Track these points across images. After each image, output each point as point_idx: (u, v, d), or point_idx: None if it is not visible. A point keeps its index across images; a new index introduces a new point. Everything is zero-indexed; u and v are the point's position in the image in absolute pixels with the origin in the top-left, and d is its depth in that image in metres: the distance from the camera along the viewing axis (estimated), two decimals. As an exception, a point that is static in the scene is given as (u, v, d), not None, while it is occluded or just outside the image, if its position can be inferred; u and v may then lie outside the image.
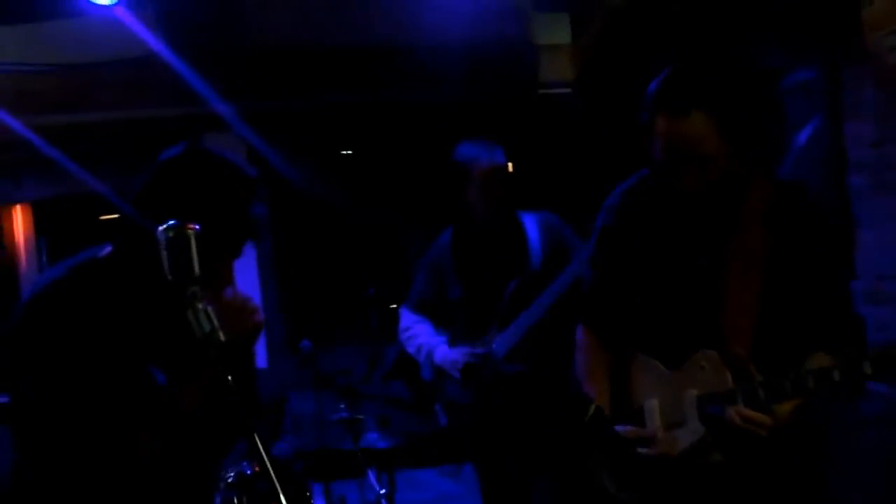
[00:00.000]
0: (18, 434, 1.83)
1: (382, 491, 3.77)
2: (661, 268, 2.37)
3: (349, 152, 5.61)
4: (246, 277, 4.56)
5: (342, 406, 3.91)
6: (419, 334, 3.80)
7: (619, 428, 2.41)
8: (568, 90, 5.34)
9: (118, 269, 1.86)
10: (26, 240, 5.39)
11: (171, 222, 1.60)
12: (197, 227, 1.60)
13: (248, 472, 3.30)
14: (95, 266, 1.88)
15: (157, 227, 1.61)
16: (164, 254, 1.60)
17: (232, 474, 3.28)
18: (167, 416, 1.79)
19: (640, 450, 2.35)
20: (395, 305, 4.42)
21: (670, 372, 2.35)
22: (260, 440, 1.52)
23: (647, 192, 2.40)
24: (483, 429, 3.62)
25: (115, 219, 5.12)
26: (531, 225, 3.71)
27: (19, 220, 5.39)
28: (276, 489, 1.51)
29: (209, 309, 1.58)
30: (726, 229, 2.29)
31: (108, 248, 1.91)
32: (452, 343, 3.72)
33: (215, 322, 1.57)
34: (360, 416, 3.89)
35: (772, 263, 2.23)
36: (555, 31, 5.34)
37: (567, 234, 3.73)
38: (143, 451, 1.76)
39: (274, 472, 1.52)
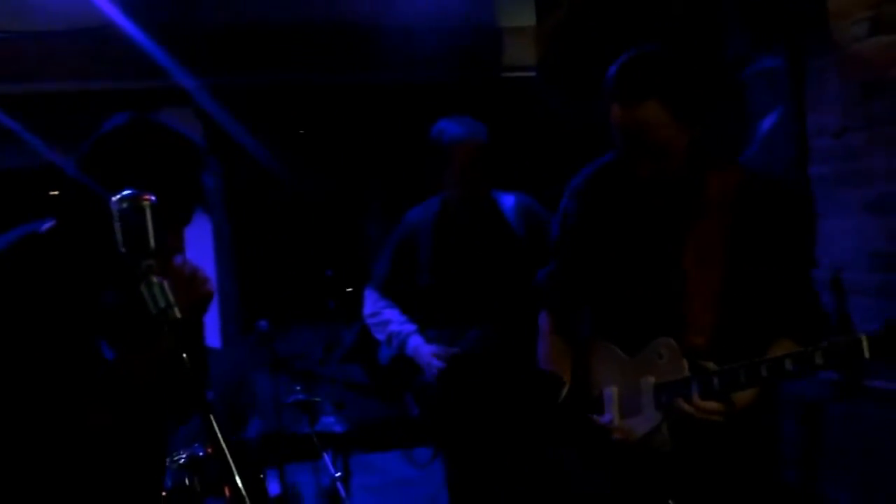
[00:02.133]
0: None
1: (338, 474, 3.73)
2: (622, 254, 2.36)
3: (303, 132, 5.53)
4: (201, 255, 4.48)
5: (298, 388, 3.86)
6: (391, 320, 3.62)
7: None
8: (532, 73, 5.31)
9: (62, 243, 1.79)
10: (-28, 213, 5.24)
11: (126, 192, 1.54)
12: (153, 198, 1.54)
13: (201, 453, 3.25)
14: (37, 240, 1.81)
15: (110, 197, 1.54)
16: (117, 225, 1.53)
17: (184, 455, 3.23)
18: (116, 392, 1.73)
19: (599, 437, 2.35)
20: (350, 288, 4.37)
21: (629, 358, 2.36)
22: (215, 420, 1.47)
23: (611, 178, 2.39)
24: (454, 418, 3.52)
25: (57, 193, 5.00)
26: (510, 207, 3.61)
27: (-35, 192, 5.23)
28: (231, 471, 1.46)
29: (164, 283, 1.52)
30: (688, 216, 2.28)
31: (50, 223, 1.84)
32: (423, 329, 3.62)
33: (170, 297, 1.51)
34: (317, 399, 3.84)
35: (734, 252, 2.23)
36: (519, 14, 5.31)
37: (544, 217, 3.63)
38: (91, 428, 1.70)
39: (229, 454, 1.47)
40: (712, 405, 2.15)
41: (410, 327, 3.58)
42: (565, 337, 2.53)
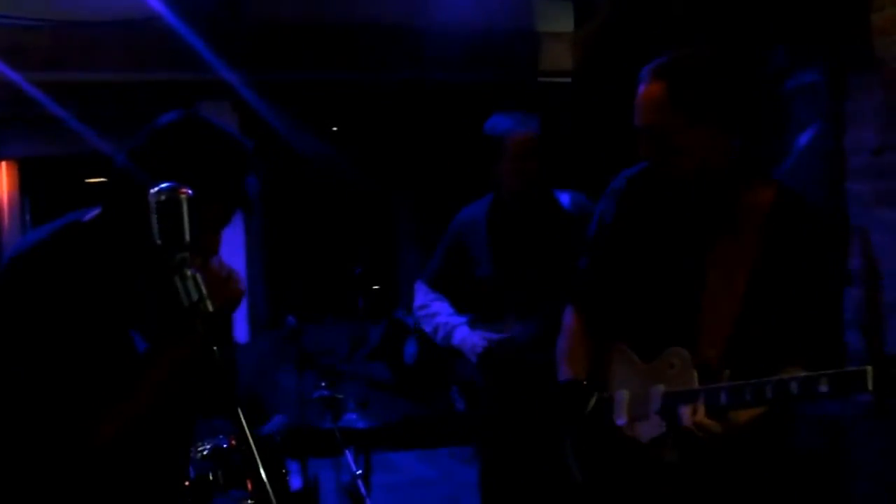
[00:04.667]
0: None
1: (358, 472, 3.74)
2: (648, 259, 2.36)
3: (337, 129, 5.56)
4: (232, 250, 4.51)
5: (323, 384, 3.88)
6: (439, 312, 3.60)
7: None
8: (568, 79, 5.31)
9: (104, 233, 1.81)
10: (10, 198, 5.32)
11: (164, 185, 1.56)
12: (190, 191, 1.56)
13: (225, 445, 3.27)
14: (80, 229, 1.83)
15: (149, 190, 1.56)
16: (153, 217, 1.55)
17: (208, 447, 3.25)
18: (148, 383, 1.75)
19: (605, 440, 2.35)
20: (378, 286, 4.39)
21: (643, 364, 2.35)
22: (242, 413, 1.48)
23: (649, 182, 2.39)
24: (497, 415, 3.50)
25: (103, 181, 5.06)
26: (567, 203, 3.55)
27: (4, 178, 5.32)
28: (257, 463, 1.47)
29: (198, 276, 1.54)
30: (718, 230, 2.27)
31: (95, 211, 1.86)
32: (473, 324, 3.57)
33: (203, 290, 1.53)
34: (340, 396, 3.86)
35: (759, 271, 2.21)
36: (558, 20, 5.31)
37: None
38: (122, 419, 1.72)
39: (254, 447, 1.48)
40: (707, 421, 2.13)
41: (459, 319, 3.57)
42: (587, 335, 2.53)
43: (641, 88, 2.24)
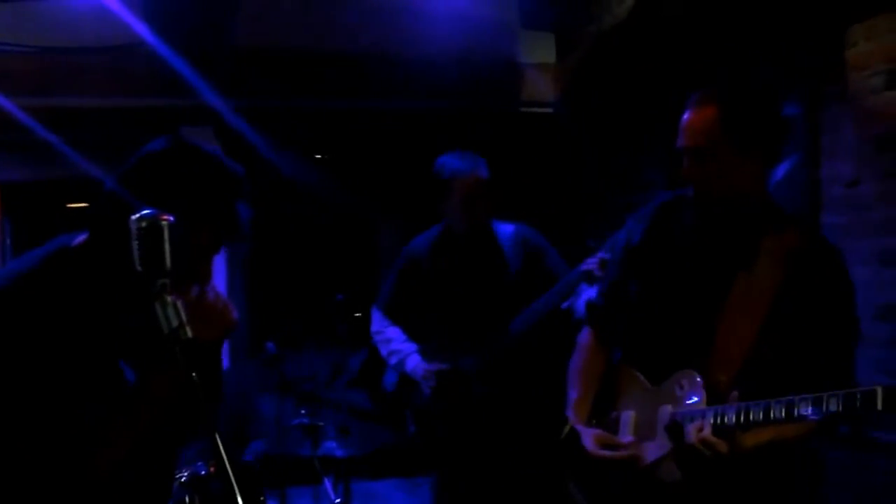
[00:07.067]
0: None
1: (338, 500, 3.73)
2: (668, 284, 2.40)
3: (322, 156, 5.58)
4: (213, 275, 4.50)
5: (303, 411, 3.87)
6: (393, 339, 3.76)
7: (593, 431, 2.43)
8: (549, 109, 5.36)
9: (92, 260, 1.80)
10: (-9, 221, 5.29)
11: (145, 212, 1.56)
12: (171, 218, 1.56)
13: (203, 472, 3.25)
14: (68, 256, 1.82)
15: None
16: (134, 244, 1.56)
17: (185, 474, 3.23)
18: (137, 413, 1.74)
19: (606, 453, 2.38)
20: (360, 314, 4.39)
21: (652, 387, 2.38)
22: (220, 440, 1.48)
23: (680, 210, 2.43)
24: (449, 441, 3.60)
25: (84, 206, 5.05)
26: (506, 237, 3.70)
27: (-15, 202, 5.28)
28: (234, 491, 1.47)
29: (178, 303, 1.54)
30: (743, 258, 2.30)
31: (82, 237, 1.86)
32: (423, 352, 3.69)
33: (183, 317, 1.53)
34: (321, 423, 3.85)
35: (781, 302, 2.24)
36: (540, 51, 5.37)
37: (543, 246, 3.71)
38: (109, 449, 1.71)
39: (232, 474, 1.48)
40: (713, 440, 2.14)
41: (410, 347, 3.71)
42: (600, 354, 2.56)
43: (691, 111, 2.29)
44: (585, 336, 2.61)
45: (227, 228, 1.82)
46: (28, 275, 1.77)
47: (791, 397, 2.05)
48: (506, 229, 3.71)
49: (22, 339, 1.69)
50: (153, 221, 1.56)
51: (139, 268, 1.56)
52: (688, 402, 2.26)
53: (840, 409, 1.97)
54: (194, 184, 1.77)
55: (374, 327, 3.83)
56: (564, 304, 3.51)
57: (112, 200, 1.76)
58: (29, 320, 1.71)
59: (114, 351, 1.79)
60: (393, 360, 3.73)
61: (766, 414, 2.08)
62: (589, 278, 3.36)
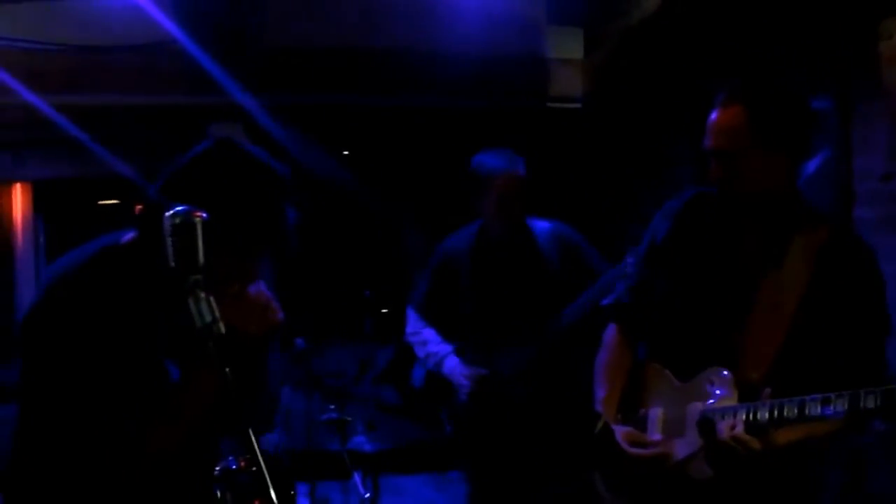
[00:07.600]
0: (26, 416, 1.80)
1: (367, 495, 3.74)
2: (697, 281, 2.39)
3: (348, 153, 5.59)
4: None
5: (332, 407, 3.89)
6: (429, 340, 3.74)
7: (622, 428, 2.43)
8: (577, 105, 5.34)
9: (139, 257, 1.82)
10: (24, 218, 5.35)
11: (179, 209, 1.58)
12: (204, 215, 1.58)
13: (233, 466, 3.27)
14: (117, 253, 1.84)
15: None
16: (168, 240, 1.57)
17: (217, 468, 3.26)
18: (180, 410, 1.76)
19: (635, 451, 2.37)
20: (387, 310, 4.40)
21: (680, 384, 2.37)
22: (254, 435, 1.50)
23: (708, 206, 2.41)
24: (487, 443, 3.58)
25: (116, 203, 5.10)
26: (543, 235, 3.64)
27: (18, 199, 5.35)
28: (268, 486, 1.48)
29: (211, 299, 1.56)
30: (773, 256, 2.28)
31: (129, 235, 1.87)
32: (461, 353, 3.66)
33: (216, 312, 1.55)
34: (349, 418, 3.87)
35: (811, 298, 2.23)
36: (568, 46, 5.35)
37: (580, 244, 3.67)
38: (154, 446, 1.73)
39: (265, 469, 1.50)
40: (746, 437, 2.13)
41: (447, 348, 3.67)
42: (626, 352, 2.54)
43: (717, 112, 2.25)
44: (612, 333, 2.60)
45: (271, 230, 1.82)
46: (79, 273, 1.80)
47: (827, 394, 2.03)
48: (542, 227, 3.66)
49: (75, 337, 1.72)
50: (186, 218, 1.57)
51: (172, 264, 1.57)
52: (718, 398, 2.25)
53: (878, 405, 1.95)
54: (238, 185, 1.79)
55: (410, 328, 3.81)
56: (605, 301, 3.50)
57: (161, 200, 1.77)
58: (81, 319, 1.73)
59: (159, 349, 1.81)
60: (430, 363, 3.71)
61: (801, 410, 2.06)
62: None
